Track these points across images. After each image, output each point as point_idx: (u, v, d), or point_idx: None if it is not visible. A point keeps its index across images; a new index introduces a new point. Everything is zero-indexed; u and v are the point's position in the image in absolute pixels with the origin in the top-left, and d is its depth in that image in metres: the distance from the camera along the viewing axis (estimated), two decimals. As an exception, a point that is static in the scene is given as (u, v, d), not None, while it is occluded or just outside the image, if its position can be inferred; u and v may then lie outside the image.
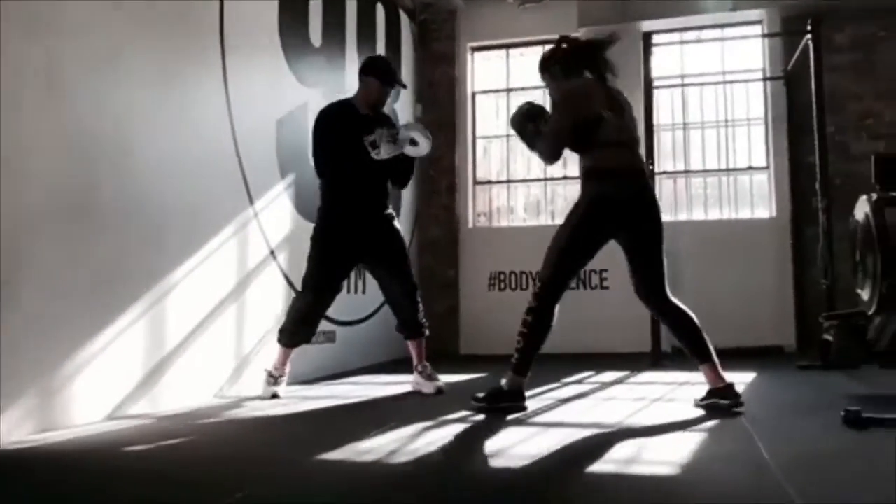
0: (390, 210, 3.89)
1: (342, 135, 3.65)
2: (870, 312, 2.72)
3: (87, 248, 2.97)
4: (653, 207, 3.05)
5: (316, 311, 3.77)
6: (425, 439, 2.47)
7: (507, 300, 6.41)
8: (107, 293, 3.07)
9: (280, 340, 3.77)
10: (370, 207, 3.76)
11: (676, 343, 5.90)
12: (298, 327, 3.73)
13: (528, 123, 3.24)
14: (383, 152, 3.56)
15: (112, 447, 2.48)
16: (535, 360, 3.07)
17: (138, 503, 1.81)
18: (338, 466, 2.14)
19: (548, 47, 6.62)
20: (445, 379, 4.29)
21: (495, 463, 2.12)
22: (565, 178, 6.55)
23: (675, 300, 3.08)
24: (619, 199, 2.97)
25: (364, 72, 3.82)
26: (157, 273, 3.37)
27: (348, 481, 1.96)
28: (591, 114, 2.98)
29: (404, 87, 4.04)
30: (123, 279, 3.17)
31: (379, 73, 3.78)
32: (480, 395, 3.05)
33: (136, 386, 3.22)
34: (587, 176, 3.04)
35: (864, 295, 2.75)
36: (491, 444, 2.38)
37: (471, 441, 2.42)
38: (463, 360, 6.01)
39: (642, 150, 3.41)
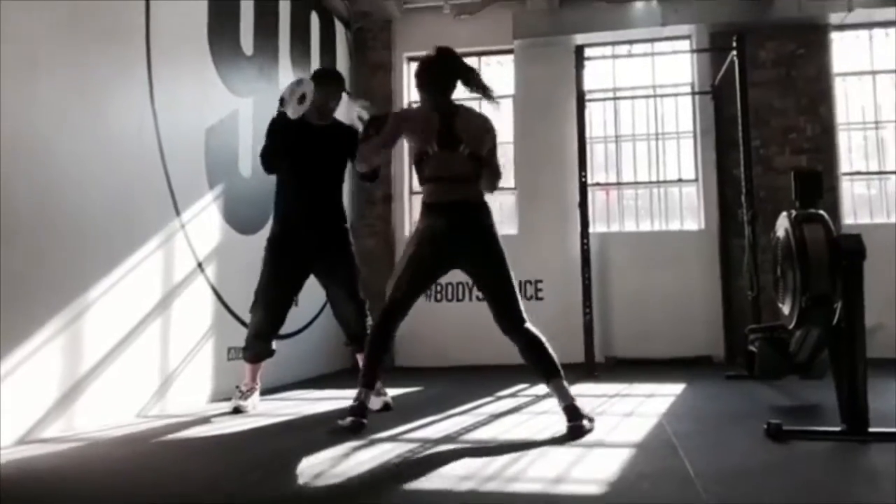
0: (346, 224, 3.86)
1: (284, 136, 3.60)
2: (790, 326, 2.80)
3: (2, 262, 2.80)
4: (486, 238, 3.04)
5: (269, 326, 3.70)
6: (354, 459, 2.41)
7: (443, 311, 6.39)
8: (20, 307, 2.90)
9: (244, 357, 3.76)
10: (317, 217, 3.70)
11: (610, 353, 6.06)
12: (254, 342, 3.69)
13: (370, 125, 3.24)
14: (290, 111, 3.49)
15: (20, 475, 2.34)
16: (378, 372, 3.17)
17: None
18: (256, 490, 2.06)
19: (483, 59, 6.73)
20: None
21: (422, 484, 2.07)
22: (500, 188, 6.57)
23: (529, 326, 3.07)
24: (447, 232, 3.01)
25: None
26: (75, 286, 3.22)
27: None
28: (417, 149, 3.07)
29: (343, 90, 3.89)
30: (39, 293, 3.01)
31: (314, 78, 3.72)
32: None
33: (52, 406, 3.06)
34: (421, 208, 3.13)
35: (785, 309, 2.82)
36: (418, 465, 2.33)
37: (398, 461, 2.37)
38: (398, 372, 5.95)
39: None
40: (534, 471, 2.23)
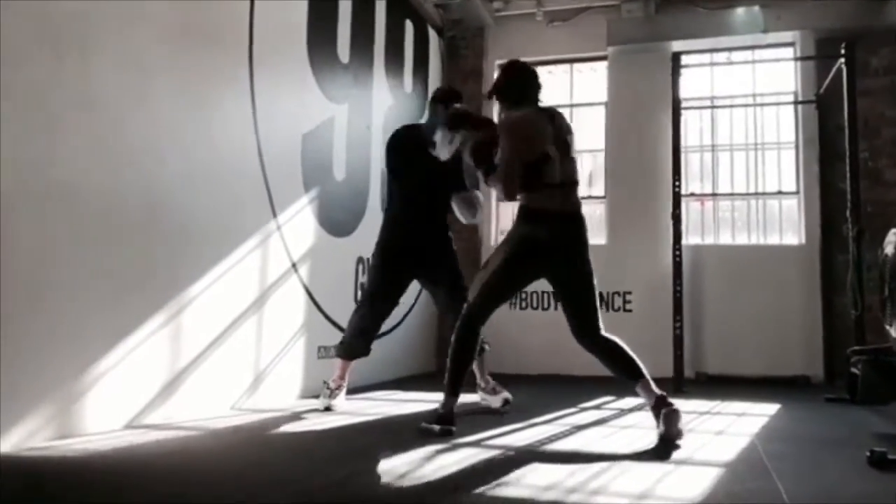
0: (450, 234, 3.96)
1: (408, 153, 3.77)
2: (898, 349, 2.65)
3: (111, 257, 3.00)
4: (583, 250, 3.06)
5: (372, 323, 3.82)
6: (436, 463, 2.44)
7: (528, 319, 6.36)
8: (129, 302, 3.10)
9: (338, 352, 3.86)
10: (428, 226, 3.84)
11: (701, 369, 5.88)
12: (355, 339, 3.81)
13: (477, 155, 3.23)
14: (444, 154, 3.61)
15: (126, 456, 2.49)
16: (464, 380, 3.16)
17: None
18: (342, 489, 2.12)
19: (575, 66, 6.67)
20: (465, 398, 4.27)
21: (504, 492, 2.08)
22: (589, 196, 6.51)
23: (606, 335, 3.11)
24: (549, 242, 2.99)
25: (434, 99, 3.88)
26: (179, 283, 3.40)
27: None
28: (536, 151, 2.99)
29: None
30: (145, 289, 3.20)
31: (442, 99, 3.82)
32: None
33: (155, 396, 3.24)
34: (522, 213, 3.05)
35: (893, 332, 2.67)
36: (502, 471, 2.34)
37: (480, 468, 2.39)
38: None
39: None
40: (618, 485, 2.19)
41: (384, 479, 2.22)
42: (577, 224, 3.06)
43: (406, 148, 3.79)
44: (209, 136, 3.60)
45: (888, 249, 2.68)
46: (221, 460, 2.57)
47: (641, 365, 3.04)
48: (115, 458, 2.49)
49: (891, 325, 2.70)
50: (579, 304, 3.05)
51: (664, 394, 2.95)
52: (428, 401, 3.87)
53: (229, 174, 3.75)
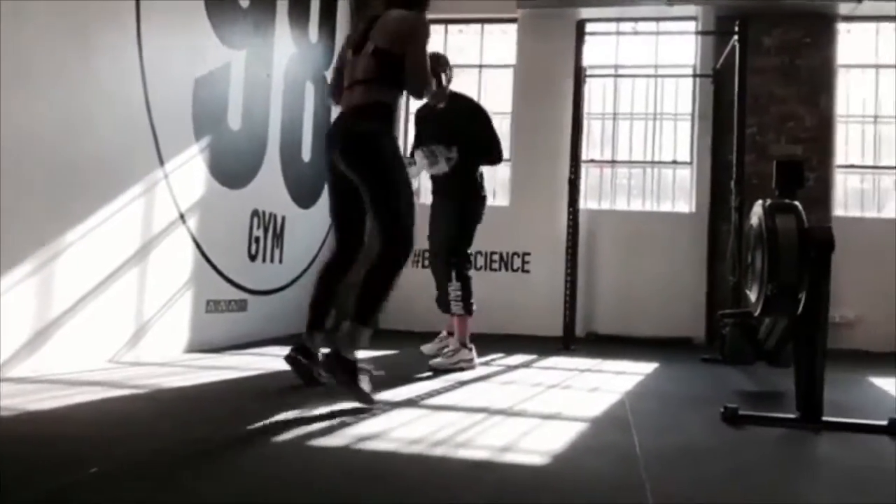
0: None
1: None
2: (756, 314, 2.81)
3: (-29, 200, 2.81)
4: (361, 146, 2.81)
5: None
6: (309, 418, 2.44)
7: (429, 278, 6.39)
8: (-7, 247, 2.92)
9: (471, 311, 3.94)
10: None
11: (592, 329, 6.10)
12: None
13: None
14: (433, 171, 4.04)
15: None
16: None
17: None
18: (214, 445, 2.09)
19: (486, 27, 6.65)
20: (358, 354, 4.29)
21: (369, 445, 2.10)
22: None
23: (383, 256, 2.76)
24: (329, 139, 2.93)
25: None
26: (52, 231, 3.23)
27: (220, 463, 1.92)
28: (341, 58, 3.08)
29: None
30: (13, 234, 3.02)
31: None
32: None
33: (20, 347, 3.09)
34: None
35: (752, 296, 2.83)
36: (373, 425, 2.36)
37: (349, 421, 2.40)
38: (383, 335, 5.98)
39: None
40: (484, 438, 2.25)
41: (251, 436, 2.21)
42: (347, 120, 2.92)
43: None
44: (89, 74, 3.40)
45: (752, 220, 2.82)
46: (81, 413, 2.49)
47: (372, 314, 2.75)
48: (-33, 410, 2.37)
49: (750, 290, 2.86)
50: (369, 208, 2.90)
51: (347, 357, 2.65)
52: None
53: (111, 117, 3.56)
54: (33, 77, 3.07)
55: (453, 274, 3.91)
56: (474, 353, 3.92)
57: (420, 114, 4.32)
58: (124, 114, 3.66)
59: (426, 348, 4.41)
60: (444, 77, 3.56)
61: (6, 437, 2.10)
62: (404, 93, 2.99)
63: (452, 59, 4.24)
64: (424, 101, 3.40)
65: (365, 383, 2.68)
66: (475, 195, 4.06)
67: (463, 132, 3.98)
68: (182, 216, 4.15)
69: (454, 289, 3.89)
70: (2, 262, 2.97)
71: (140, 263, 3.81)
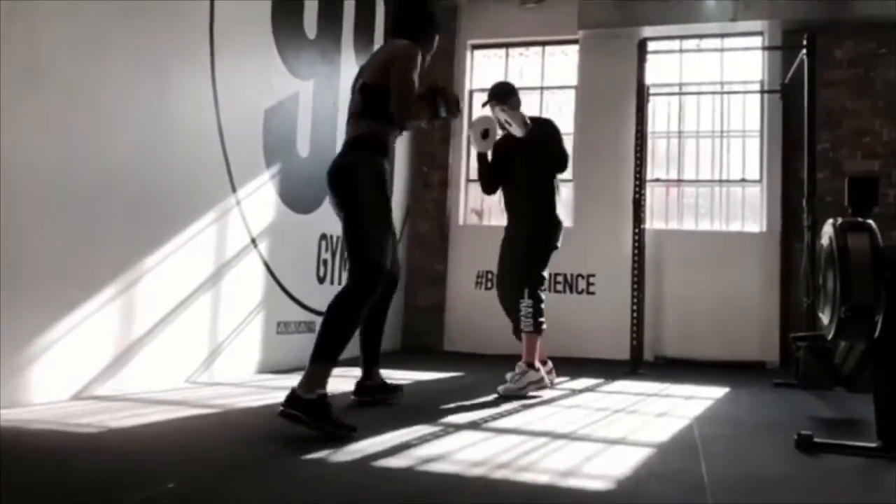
0: None
1: None
2: (829, 337, 2.72)
3: (62, 228, 3.00)
4: (340, 179, 2.87)
5: None
6: (373, 439, 2.48)
7: (492, 299, 6.40)
8: (80, 274, 3.10)
9: (541, 330, 3.89)
10: None
11: (661, 352, 5.98)
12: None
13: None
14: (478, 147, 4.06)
15: (69, 427, 2.51)
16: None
17: (76, 482, 1.84)
18: (281, 463, 2.16)
19: (547, 48, 6.67)
20: (421, 376, 4.34)
21: (433, 467, 2.13)
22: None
23: (346, 290, 2.73)
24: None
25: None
26: (133, 257, 3.40)
27: (286, 481, 1.98)
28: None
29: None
30: (97, 262, 3.20)
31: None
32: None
33: (105, 367, 3.25)
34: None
35: (825, 319, 2.74)
36: (437, 447, 2.39)
37: (414, 443, 2.44)
38: (444, 356, 6.03)
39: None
40: (547, 462, 2.25)
41: (316, 456, 2.26)
42: (341, 154, 3.01)
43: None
44: (166, 108, 3.59)
45: (823, 240, 2.74)
46: (159, 432, 2.60)
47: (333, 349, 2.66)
48: (54, 429, 2.51)
49: (822, 313, 2.77)
50: (344, 236, 2.91)
51: (304, 398, 2.53)
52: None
53: (187, 148, 3.74)
54: (113, 110, 3.27)
55: (526, 291, 3.82)
56: (543, 371, 3.86)
57: (500, 144, 4.10)
58: (199, 144, 3.84)
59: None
60: (442, 109, 3.08)
61: (91, 451, 2.22)
62: (394, 124, 2.97)
63: (515, 82, 4.28)
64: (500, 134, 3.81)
65: (329, 416, 2.53)
66: (551, 218, 4.00)
67: (547, 158, 4.00)
68: (254, 241, 4.30)
69: (525, 305, 3.81)
70: (88, 288, 3.14)
71: (214, 287, 3.96)
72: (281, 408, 2.54)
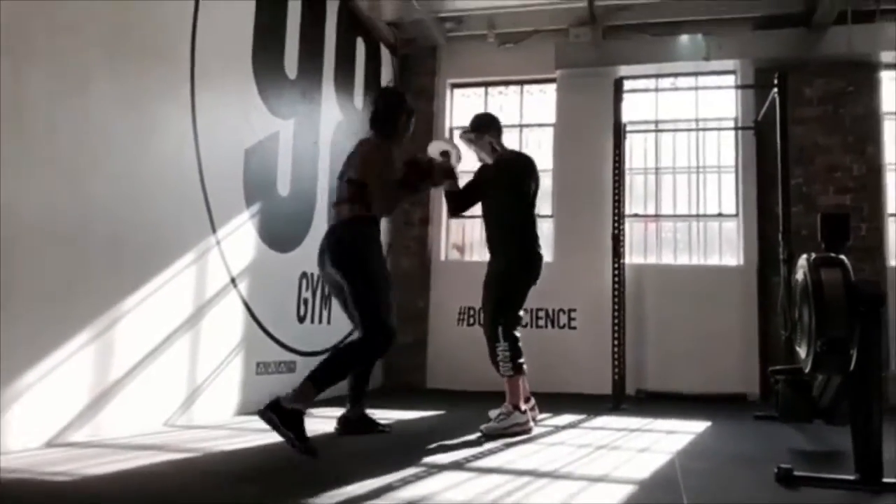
0: None
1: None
2: (806, 370, 2.75)
3: (39, 269, 2.97)
4: (345, 252, 3.29)
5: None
6: (356, 480, 2.46)
7: (474, 335, 6.39)
8: (55, 316, 3.06)
9: (518, 372, 3.80)
10: None
11: (642, 386, 5.98)
12: (519, 355, 3.85)
13: None
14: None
15: (41, 475, 2.46)
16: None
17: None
18: None
19: (525, 87, 6.78)
20: (403, 415, 4.31)
21: (415, 510, 2.11)
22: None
23: (358, 338, 3.24)
24: (320, 253, 3.46)
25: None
26: (110, 297, 3.37)
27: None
28: None
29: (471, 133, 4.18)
30: (73, 302, 3.17)
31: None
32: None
33: (80, 412, 3.20)
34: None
35: (801, 353, 2.78)
36: (419, 488, 2.37)
37: (396, 485, 2.41)
38: (428, 394, 6.00)
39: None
40: (531, 500, 2.24)
41: (298, 497, 2.24)
42: (332, 230, 3.46)
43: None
44: (146, 147, 3.59)
45: (798, 275, 2.79)
46: (131, 480, 2.55)
47: (326, 378, 3.06)
48: (25, 478, 2.46)
49: (799, 347, 2.80)
50: (347, 304, 3.41)
51: (288, 407, 2.86)
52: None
53: (167, 187, 3.74)
54: (94, 149, 3.26)
55: (500, 332, 3.80)
56: (528, 415, 3.80)
57: (475, 176, 4.24)
58: (179, 183, 3.84)
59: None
60: (421, 185, 3.70)
61: (65, 501, 2.17)
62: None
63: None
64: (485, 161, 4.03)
65: (299, 430, 2.85)
66: (523, 252, 3.96)
67: (522, 194, 4.02)
68: (233, 280, 4.28)
69: (502, 349, 3.79)
70: (65, 331, 3.11)
71: (193, 328, 3.93)
72: (261, 409, 2.84)
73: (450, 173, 3.83)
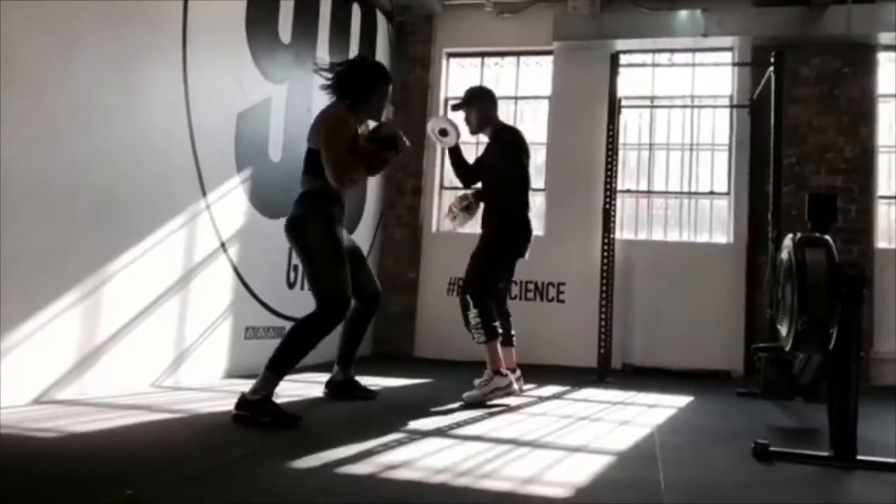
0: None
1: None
2: (787, 348, 2.78)
3: (27, 229, 2.97)
4: (291, 230, 3.26)
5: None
6: (338, 446, 2.49)
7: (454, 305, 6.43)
8: (43, 276, 3.07)
9: (495, 340, 3.82)
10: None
11: (629, 361, 6.04)
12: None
13: None
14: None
15: (29, 431, 2.49)
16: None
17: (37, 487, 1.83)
18: (242, 469, 2.16)
19: (522, 59, 6.73)
20: (390, 382, 4.35)
21: (395, 474, 2.14)
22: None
23: (311, 313, 3.14)
24: None
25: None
26: (98, 259, 3.37)
27: (246, 486, 1.98)
28: None
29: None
30: (61, 264, 3.17)
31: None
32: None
33: (67, 371, 3.22)
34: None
35: (783, 331, 2.81)
36: (401, 454, 2.41)
37: (378, 450, 2.45)
38: (416, 362, 6.05)
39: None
40: (509, 469, 2.28)
41: (281, 461, 2.27)
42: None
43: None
44: (136, 111, 3.57)
45: (783, 254, 2.81)
46: (115, 437, 2.58)
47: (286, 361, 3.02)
48: (12, 434, 2.49)
49: (781, 325, 2.84)
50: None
51: (251, 398, 2.91)
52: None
53: (157, 149, 3.72)
54: (82, 111, 3.24)
55: (471, 300, 3.80)
56: (512, 377, 3.82)
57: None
58: (170, 146, 3.83)
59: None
60: (387, 154, 3.39)
61: (50, 456, 2.21)
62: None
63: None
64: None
65: (272, 411, 2.89)
66: (511, 224, 3.98)
67: (505, 167, 4.01)
68: (223, 245, 4.28)
69: (473, 316, 3.79)
70: (52, 291, 3.11)
71: (182, 291, 3.94)
72: (233, 412, 2.91)
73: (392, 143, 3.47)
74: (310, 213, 3.24)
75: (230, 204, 4.34)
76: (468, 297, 3.84)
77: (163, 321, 3.80)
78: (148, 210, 3.68)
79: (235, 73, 4.39)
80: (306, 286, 5.14)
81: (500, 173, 4.01)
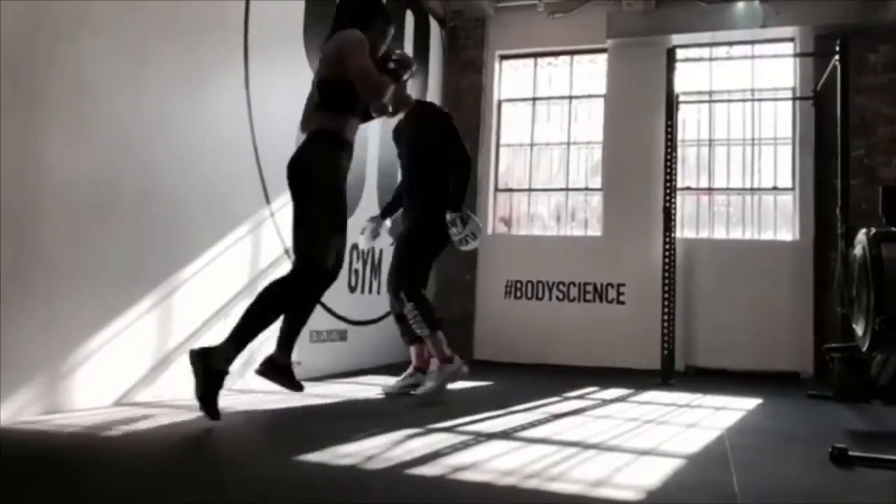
0: None
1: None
2: (864, 349, 2.69)
3: (104, 241, 3.10)
4: (295, 172, 3.00)
5: None
6: (406, 447, 2.52)
7: (521, 308, 6.43)
8: (121, 285, 3.20)
9: (438, 329, 3.76)
10: None
11: (692, 362, 5.93)
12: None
13: None
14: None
15: (103, 431, 2.59)
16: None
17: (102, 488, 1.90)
18: (313, 469, 2.20)
19: (575, 57, 6.68)
20: (452, 385, 4.37)
21: (464, 476, 2.15)
22: (587, 189, 6.58)
23: (286, 276, 2.93)
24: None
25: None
26: (171, 268, 3.49)
27: (315, 486, 2.02)
28: None
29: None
30: (137, 272, 3.29)
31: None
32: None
33: (144, 374, 3.34)
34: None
35: (859, 330, 2.72)
36: (468, 456, 2.42)
37: (445, 452, 2.47)
38: (475, 365, 6.05)
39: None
40: (577, 472, 2.26)
41: (350, 462, 2.31)
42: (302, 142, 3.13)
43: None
44: (202, 122, 3.68)
45: (857, 250, 2.72)
46: (187, 439, 2.66)
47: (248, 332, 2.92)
48: (91, 435, 2.59)
49: (856, 325, 2.75)
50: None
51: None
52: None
53: (223, 160, 3.83)
54: (152, 123, 3.36)
55: (404, 294, 3.67)
56: (457, 360, 3.75)
57: (395, 129, 4.15)
58: (234, 155, 3.93)
59: (388, 387, 3.98)
60: (403, 72, 3.19)
61: (126, 453, 2.29)
62: (356, 114, 3.08)
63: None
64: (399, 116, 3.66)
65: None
66: (434, 212, 3.79)
67: (430, 147, 3.86)
68: (287, 252, 4.37)
69: (410, 310, 3.66)
70: (129, 297, 3.24)
71: (249, 297, 4.01)
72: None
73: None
74: (320, 156, 2.97)
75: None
76: (401, 295, 3.71)
77: (231, 326, 3.89)
78: (215, 218, 3.79)
79: (294, 80, 4.47)
80: (366, 289, 5.27)
81: (417, 157, 3.95)
